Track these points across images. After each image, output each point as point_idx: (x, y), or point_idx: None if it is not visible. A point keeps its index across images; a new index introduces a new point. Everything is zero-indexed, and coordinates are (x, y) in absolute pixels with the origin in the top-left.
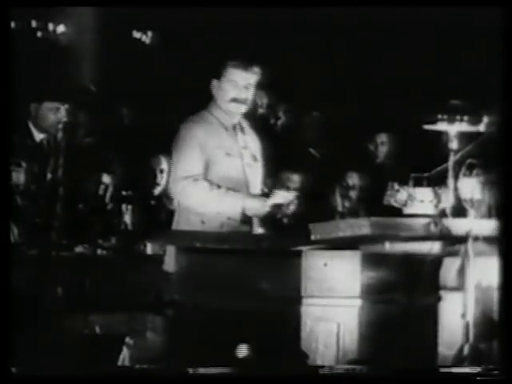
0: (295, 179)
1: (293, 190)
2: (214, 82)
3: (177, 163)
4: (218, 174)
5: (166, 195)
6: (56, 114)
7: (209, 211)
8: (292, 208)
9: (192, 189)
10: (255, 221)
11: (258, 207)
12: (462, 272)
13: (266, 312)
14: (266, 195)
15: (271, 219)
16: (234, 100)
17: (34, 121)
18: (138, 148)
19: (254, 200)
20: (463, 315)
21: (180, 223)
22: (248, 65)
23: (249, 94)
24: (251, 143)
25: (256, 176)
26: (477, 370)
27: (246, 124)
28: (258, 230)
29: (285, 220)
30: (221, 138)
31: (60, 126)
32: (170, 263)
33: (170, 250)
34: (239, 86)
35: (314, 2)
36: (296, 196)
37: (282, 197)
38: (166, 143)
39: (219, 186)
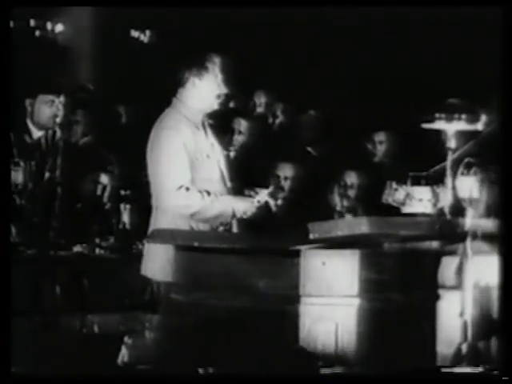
0: (293, 178)
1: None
2: (196, 81)
3: (165, 173)
4: (201, 177)
5: None
6: (51, 107)
7: (201, 218)
8: (279, 201)
9: (186, 200)
10: (250, 222)
11: (247, 207)
12: (460, 271)
13: (265, 311)
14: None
15: (268, 218)
16: (218, 96)
17: (32, 117)
18: (136, 147)
19: (241, 201)
20: (461, 314)
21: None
22: (222, 58)
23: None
24: (213, 138)
25: (226, 170)
26: (475, 369)
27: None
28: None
29: (279, 216)
30: (197, 140)
31: (57, 119)
32: (148, 268)
33: (150, 253)
34: (219, 82)
35: (315, 1)
36: (278, 189)
37: (266, 194)
38: None
39: (208, 193)
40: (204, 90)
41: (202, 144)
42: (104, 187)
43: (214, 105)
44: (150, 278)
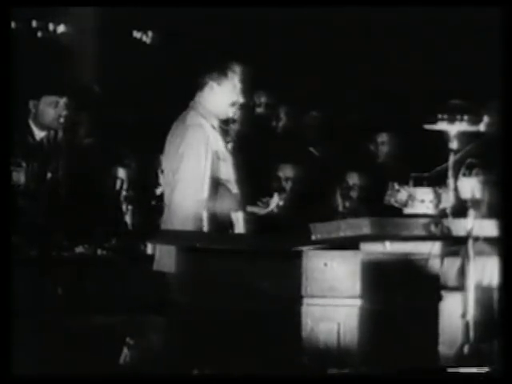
0: (295, 179)
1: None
2: (214, 85)
3: (189, 167)
4: (222, 177)
5: None
6: (55, 108)
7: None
8: (280, 202)
9: (202, 194)
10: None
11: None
12: (462, 272)
13: (267, 312)
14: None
15: (270, 219)
16: (233, 104)
17: (35, 118)
18: (138, 148)
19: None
20: (463, 315)
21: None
22: (243, 68)
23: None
24: (228, 142)
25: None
26: (477, 369)
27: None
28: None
29: (281, 217)
30: (216, 143)
31: (61, 120)
32: (162, 263)
33: (162, 250)
34: (237, 90)
35: (315, 2)
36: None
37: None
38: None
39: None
40: (221, 96)
41: (219, 148)
42: (107, 188)
43: (228, 112)
44: (166, 272)
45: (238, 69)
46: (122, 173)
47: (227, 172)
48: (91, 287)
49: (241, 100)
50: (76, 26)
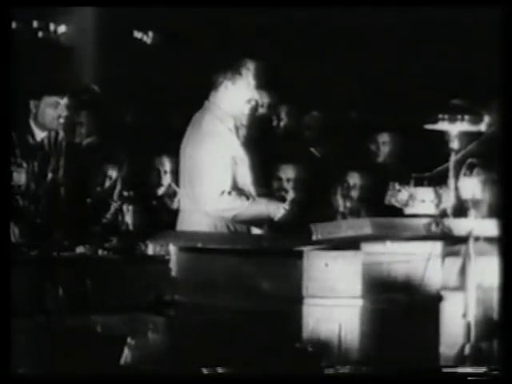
0: (296, 179)
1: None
2: (229, 85)
3: (208, 178)
4: (239, 181)
5: (168, 195)
6: (56, 108)
7: (240, 220)
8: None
9: (228, 204)
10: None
11: (276, 211)
12: (463, 272)
13: (268, 312)
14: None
15: (272, 219)
16: (249, 101)
17: (35, 119)
18: (138, 148)
19: (274, 205)
20: (464, 315)
21: (187, 224)
22: (257, 65)
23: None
24: (244, 142)
25: (255, 174)
26: (478, 369)
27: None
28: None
29: (282, 217)
30: (236, 146)
31: (61, 120)
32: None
33: (173, 252)
34: (251, 87)
35: (315, 1)
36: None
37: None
38: (168, 143)
39: (247, 197)
40: (236, 94)
41: (237, 148)
42: (107, 188)
43: (244, 110)
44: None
45: (251, 66)
46: (122, 172)
47: (244, 175)
48: (91, 287)
49: (256, 96)
50: (76, 26)
